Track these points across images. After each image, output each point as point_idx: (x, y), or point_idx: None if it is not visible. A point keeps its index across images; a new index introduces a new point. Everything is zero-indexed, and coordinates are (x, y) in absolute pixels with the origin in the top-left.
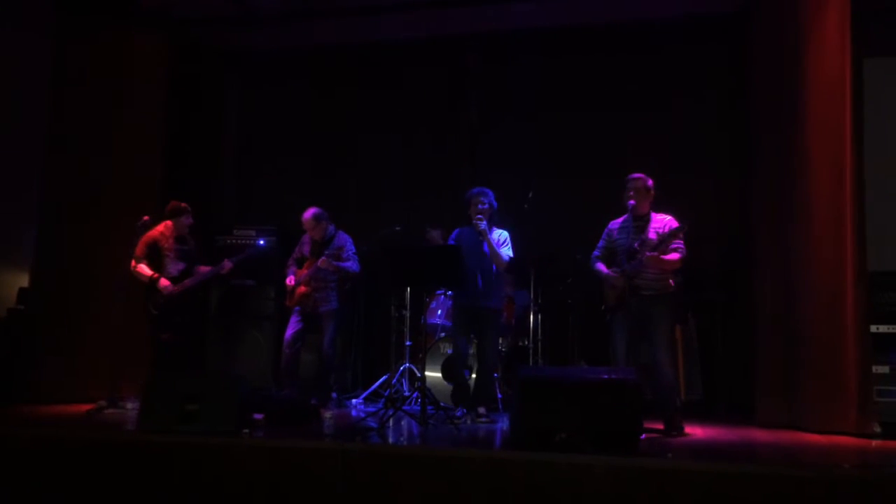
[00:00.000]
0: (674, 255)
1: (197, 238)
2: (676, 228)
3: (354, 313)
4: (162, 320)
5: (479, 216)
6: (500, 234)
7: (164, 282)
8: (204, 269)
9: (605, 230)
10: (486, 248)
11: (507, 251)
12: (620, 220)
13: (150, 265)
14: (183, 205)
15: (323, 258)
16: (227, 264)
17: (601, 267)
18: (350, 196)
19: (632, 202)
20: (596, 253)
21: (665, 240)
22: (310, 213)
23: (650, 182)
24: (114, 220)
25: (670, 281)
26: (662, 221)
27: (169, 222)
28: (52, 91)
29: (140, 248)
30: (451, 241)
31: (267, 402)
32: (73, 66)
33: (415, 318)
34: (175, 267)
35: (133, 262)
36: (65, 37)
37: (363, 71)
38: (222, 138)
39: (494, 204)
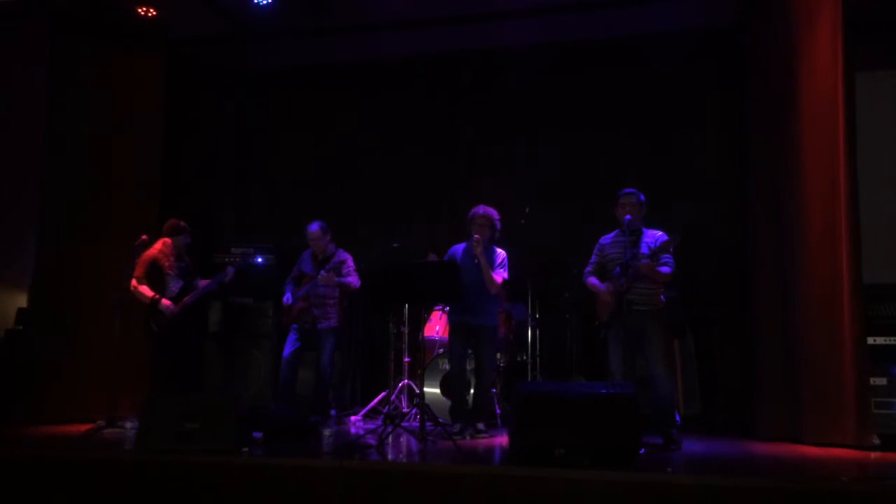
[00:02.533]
0: (664, 269)
1: (196, 257)
2: (668, 241)
3: (353, 330)
4: (164, 339)
5: (477, 236)
6: (498, 255)
7: (165, 302)
8: (204, 282)
9: (597, 245)
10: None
11: (501, 272)
12: (611, 234)
13: (150, 285)
14: (182, 223)
15: (323, 273)
16: (231, 271)
17: (594, 281)
18: (348, 213)
19: (629, 216)
20: (588, 268)
21: (657, 253)
22: (316, 225)
23: (642, 197)
24: (112, 239)
25: (661, 296)
26: (654, 236)
27: (168, 240)
28: (49, 112)
29: (140, 269)
30: (448, 257)
31: (266, 420)
32: (69, 87)
33: (413, 334)
34: (175, 285)
35: (134, 283)
36: (61, 59)
37: (359, 88)
38: (220, 157)
39: (497, 225)
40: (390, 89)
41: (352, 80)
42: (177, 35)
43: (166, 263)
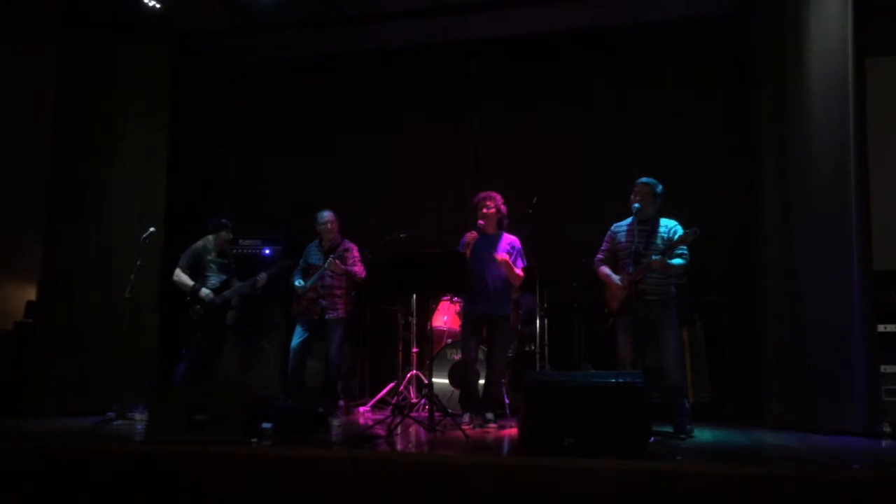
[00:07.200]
0: (676, 261)
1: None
2: (686, 234)
3: (361, 320)
4: (200, 328)
5: (481, 221)
6: (511, 244)
7: (205, 291)
8: (237, 283)
9: (608, 232)
10: (497, 253)
11: (520, 263)
12: (624, 222)
13: (191, 276)
14: (224, 221)
15: (331, 259)
16: (263, 276)
17: (607, 271)
18: (354, 203)
19: (637, 204)
20: (599, 256)
21: (673, 244)
22: (329, 211)
23: (659, 187)
24: (119, 232)
25: (672, 286)
26: (668, 226)
27: (210, 236)
28: (55, 105)
29: (183, 259)
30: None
31: (275, 411)
32: (75, 79)
33: (421, 324)
34: (217, 278)
35: (176, 272)
36: (67, 51)
37: (366, 78)
38: (225, 148)
39: (503, 208)
40: (396, 79)
41: (357, 70)
42: (182, 27)
43: (208, 258)
